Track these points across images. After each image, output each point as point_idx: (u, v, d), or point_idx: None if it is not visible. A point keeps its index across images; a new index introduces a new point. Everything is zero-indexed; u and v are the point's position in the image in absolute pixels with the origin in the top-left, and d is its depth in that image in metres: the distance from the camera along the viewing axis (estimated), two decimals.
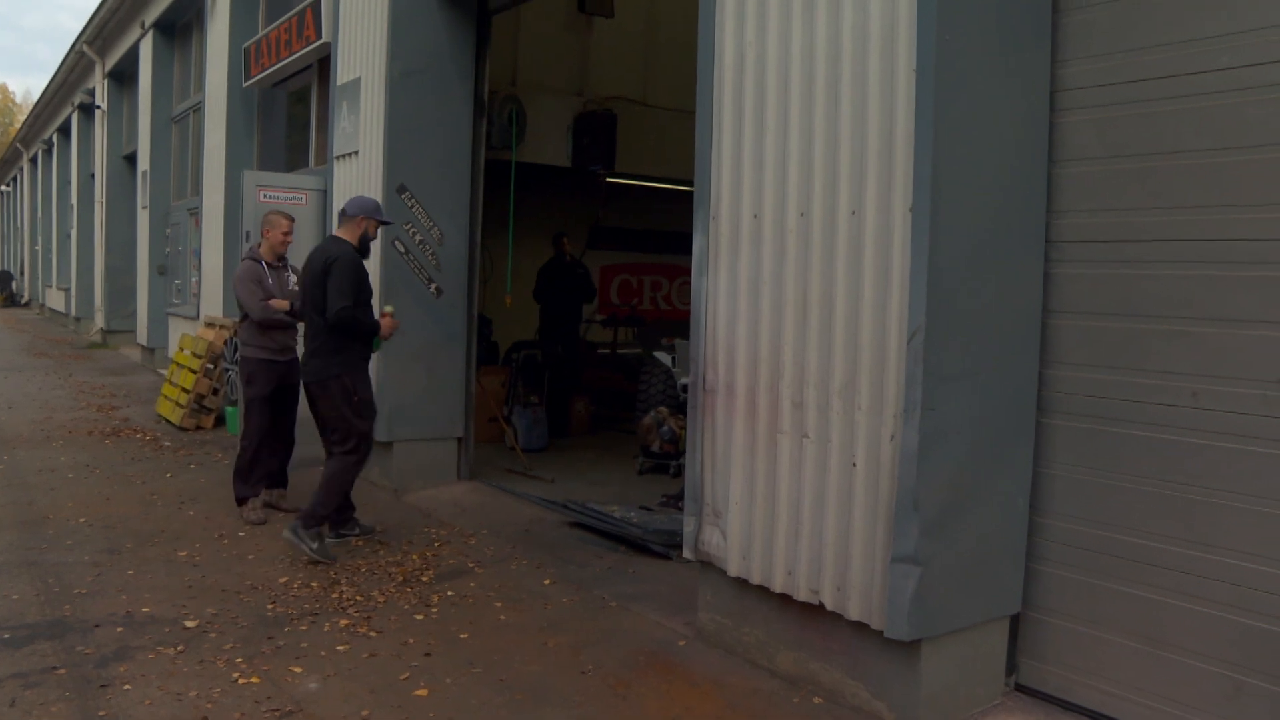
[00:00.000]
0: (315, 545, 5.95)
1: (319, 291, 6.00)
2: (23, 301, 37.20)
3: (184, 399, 10.67)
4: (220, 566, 5.83)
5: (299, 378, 6.56)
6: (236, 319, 8.16)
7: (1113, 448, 3.92)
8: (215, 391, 10.68)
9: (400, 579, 5.68)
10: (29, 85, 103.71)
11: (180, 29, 15.53)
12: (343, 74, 8.39)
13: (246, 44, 11.28)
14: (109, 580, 5.49)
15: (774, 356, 4.29)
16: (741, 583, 4.53)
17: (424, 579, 5.71)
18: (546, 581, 5.72)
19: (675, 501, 7.15)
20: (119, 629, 4.77)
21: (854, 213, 3.96)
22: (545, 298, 10.97)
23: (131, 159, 18.29)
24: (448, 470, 7.98)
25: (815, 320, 4.11)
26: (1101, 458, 3.96)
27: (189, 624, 4.86)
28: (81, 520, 6.71)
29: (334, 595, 5.36)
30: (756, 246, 4.36)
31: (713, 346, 4.59)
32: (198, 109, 13.76)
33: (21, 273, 38.41)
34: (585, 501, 6.82)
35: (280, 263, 7.07)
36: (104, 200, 19.62)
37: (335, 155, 8.49)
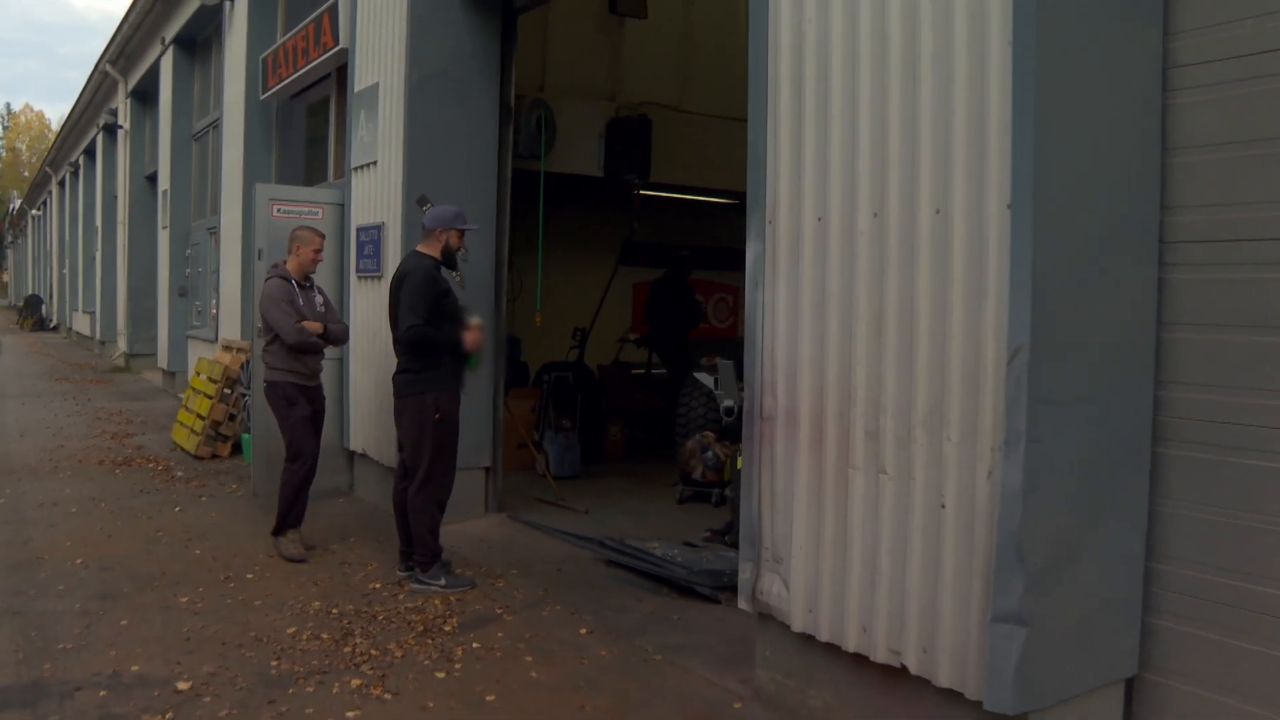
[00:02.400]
0: (444, 581, 5.77)
1: (397, 307, 5.74)
2: (51, 326, 37.12)
3: (199, 426, 10.21)
4: (223, 614, 5.31)
5: (323, 404, 6.67)
6: (258, 341, 7.67)
7: (1242, 481, 3.32)
8: (232, 418, 10.22)
9: (420, 628, 5.14)
10: (63, 111, 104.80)
11: (200, 44, 15.19)
12: (360, 80, 7.92)
13: (263, 54, 10.85)
14: (98, 633, 4.97)
15: (844, 380, 3.72)
16: (807, 639, 3.94)
17: (446, 628, 5.16)
18: (583, 630, 5.16)
19: (721, 536, 6.58)
20: (102, 693, 4.24)
21: (938, 212, 3.39)
22: (656, 316, 10.97)
23: (154, 179, 17.98)
24: (474, 503, 7.45)
25: (893, 338, 3.53)
26: (1230, 493, 3.35)
27: (181, 686, 4.32)
28: (78, 561, 6.21)
29: (346, 649, 4.82)
30: (822, 253, 3.80)
31: (771, 368, 4.02)
32: (217, 125, 13.37)
33: (51, 296, 38.38)
34: (623, 538, 6.25)
35: (308, 282, 6.64)
36: (126, 221, 19.34)
37: (353, 167, 8.01)
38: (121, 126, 19.61)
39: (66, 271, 32.35)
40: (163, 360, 16.38)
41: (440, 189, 7.00)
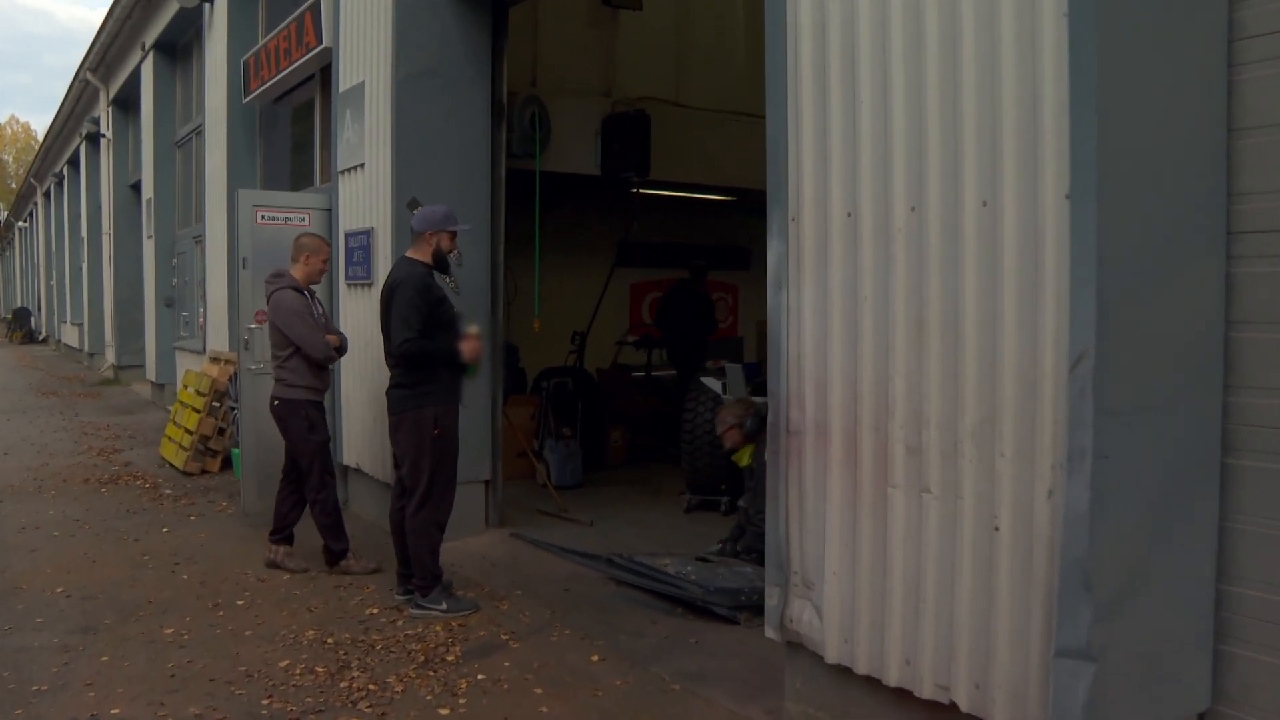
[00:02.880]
0: (445, 605, 5.47)
1: (388, 319, 5.45)
2: (40, 338, 36.73)
3: (187, 440, 9.89)
4: (212, 647, 4.99)
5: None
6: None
7: None
8: (221, 432, 9.88)
9: (421, 658, 4.82)
10: (49, 122, 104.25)
11: (181, 49, 14.82)
12: (345, 79, 7.58)
13: (245, 57, 10.51)
14: (77, 671, 4.64)
15: (880, 389, 3.40)
16: (843, 671, 3.63)
17: (449, 658, 4.84)
18: (594, 658, 4.84)
19: (731, 546, 6.25)
20: None
21: (985, 204, 3.07)
22: (670, 321, 10.94)
23: (138, 188, 17.61)
24: (474, 519, 7.13)
25: (935, 343, 3.22)
26: None
27: None
28: (59, 590, 5.88)
29: (343, 684, 4.50)
30: (853, 252, 3.48)
31: (798, 377, 3.70)
32: (200, 131, 13.01)
33: (39, 309, 37.98)
34: (632, 555, 5.93)
35: (308, 292, 6.33)
36: (111, 231, 18.96)
37: (340, 170, 7.68)
38: (104, 135, 19.25)
39: (54, 283, 31.98)
40: (151, 372, 16.04)
41: (431, 191, 6.69)
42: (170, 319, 15.25)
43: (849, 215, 3.48)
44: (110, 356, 19.75)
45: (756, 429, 6.25)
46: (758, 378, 8.21)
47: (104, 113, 19.35)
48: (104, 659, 4.82)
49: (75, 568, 6.39)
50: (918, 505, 3.29)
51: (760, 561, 4.69)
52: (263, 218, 7.53)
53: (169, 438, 10.55)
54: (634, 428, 10.48)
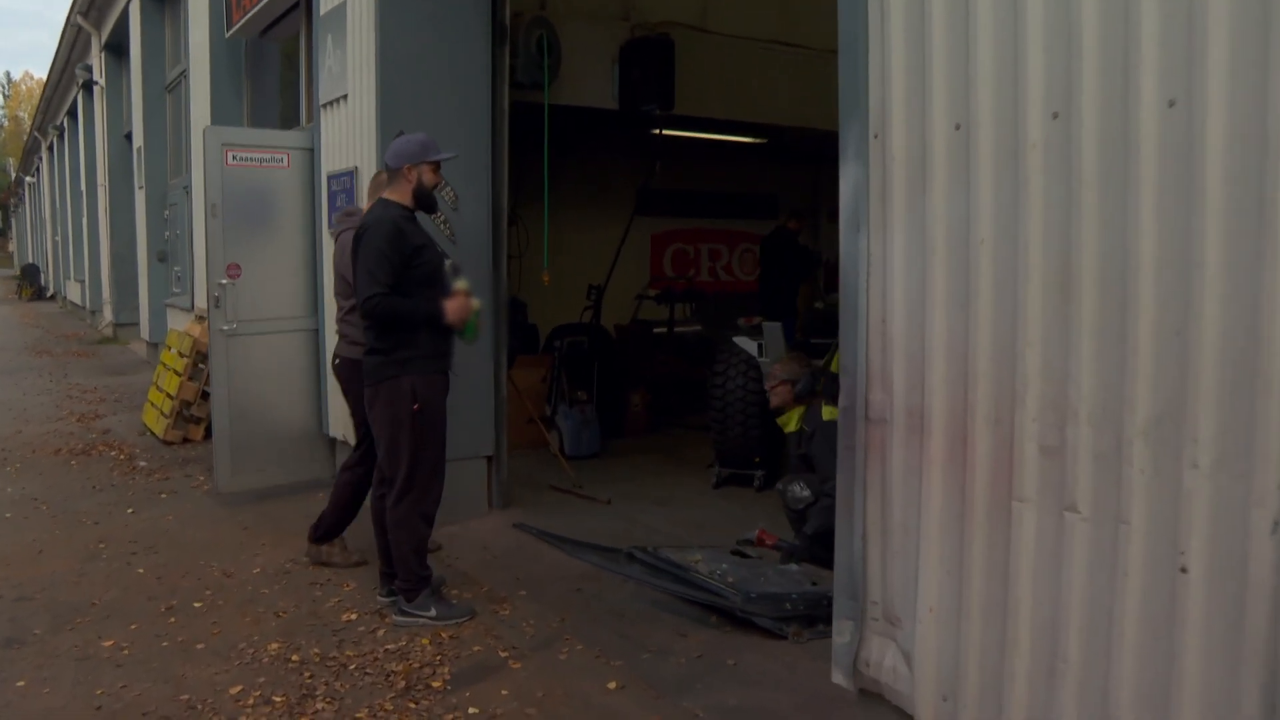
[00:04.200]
0: (434, 611, 4.64)
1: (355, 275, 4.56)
2: (48, 295, 36.06)
3: (168, 406, 9.04)
4: (153, 665, 4.16)
5: None
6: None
7: None
8: (205, 396, 9.00)
9: (401, 684, 3.97)
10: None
11: None
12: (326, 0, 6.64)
13: None
14: None
15: (1004, 367, 2.48)
16: None
17: (435, 683, 3.99)
18: (612, 685, 3.97)
19: (794, 549, 5.34)
20: None
21: (1172, 104, 2.13)
22: (771, 276, 10.40)
23: (132, 137, 16.72)
24: (475, 499, 6.26)
25: (1089, 303, 2.29)
26: None
27: None
28: None
29: (303, 719, 3.66)
30: (963, 178, 2.54)
31: (882, 349, 2.79)
32: (188, 74, 12.07)
33: (47, 265, 37.30)
34: (657, 549, 5.04)
35: None
36: (106, 184, 18.06)
37: (321, 103, 6.75)
38: (97, 83, 18.30)
39: (59, 239, 31.18)
40: (144, 331, 15.22)
41: (422, 125, 5.68)
42: (163, 274, 14.39)
43: (957, 128, 2.55)
44: (108, 314, 18.95)
45: (810, 390, 5.36)
46: (793, 339, 7.31)
47: (96, 59, 18.40)
48: (20, 684, 3.99)
49: (18, 559, 5.56)
50: (1057, 528, 2.38)
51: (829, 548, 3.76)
52: (234, 158, 6.60)
53: (151, 403, 9.74)
54: (656, 390, 9.64)
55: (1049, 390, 2.38)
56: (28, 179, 43.06)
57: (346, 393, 5.40)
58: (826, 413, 5.24)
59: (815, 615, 4.40)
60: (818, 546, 5.09)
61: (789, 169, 13.18)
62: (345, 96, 6.37)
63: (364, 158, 6.17)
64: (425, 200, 4.67)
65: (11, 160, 59.40)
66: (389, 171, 4.68)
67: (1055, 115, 2.33)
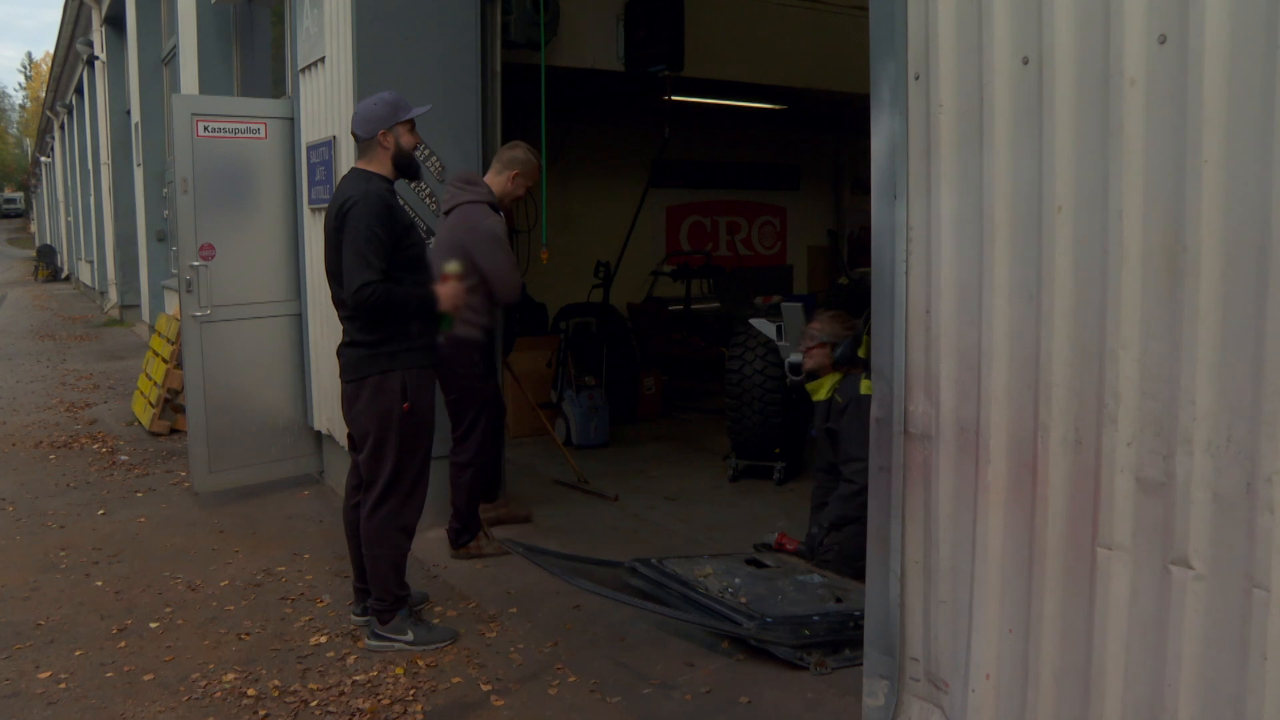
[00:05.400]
0: (411, 635, 4.13)
1: (336, 257, 4.02)
2: (63, 276, 35.81)
3: (155, 395, 8.58)
4: (90, 702, 3.67)
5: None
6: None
7: None
8: None
9: None
10: None
11: None
12: None
13: None
14: None
15: (1086, 374, 1.92)
16: None
17: None
18: None
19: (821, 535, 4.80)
20: None
21: None
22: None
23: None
24: None
25: (1208, 289, 1.73)
26: None
27: None
28: None
29: None
30: (1034, 126, 1.97)
31: (925, 346, 2.23)
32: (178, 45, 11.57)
33: (62, 245, 37.06)
34: (663, 560, 4.50)
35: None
36: (110, 161, 17.62)
37: (299, 67, 6.20)
38: (98, 58, 17.86)
39: (71, 219, 30.85)
40: (146, 313, 14.81)
41: (405, 88, 5.12)
42: (163, 254, 13.94)
43: (1025, 62, 1.97)
44: (114, 296, 18.56)
45: (850, 357, 4.81)
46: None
47: (98, 33, 17.94)
48: None
49: None
50: (1161, 586, 1.82)
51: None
52: (205, 129, 6.06)
53: (140, 391, 9.30)
54: (671, 371, 9.12)
55: (1151, 407, 1.81)
56: (43, 159, 42.79)
57: (486, 378, 5.17)
58: (864, 386, 4.69)
59: (840, 640, 3.86)
60: (848, 546, 4.56)
61: (811, 137, 12.61)
62: (323, 59, 5.82)
63: (343, 125, 5.61)
64: (407, 166, 4.13)
65: (29, 141, 59.25)
66: (359, 141, 4.13)
67: (1163, 39, 1.75)
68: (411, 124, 4.09)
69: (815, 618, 3.91)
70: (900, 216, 2.24)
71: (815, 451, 5.09)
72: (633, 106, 9.71)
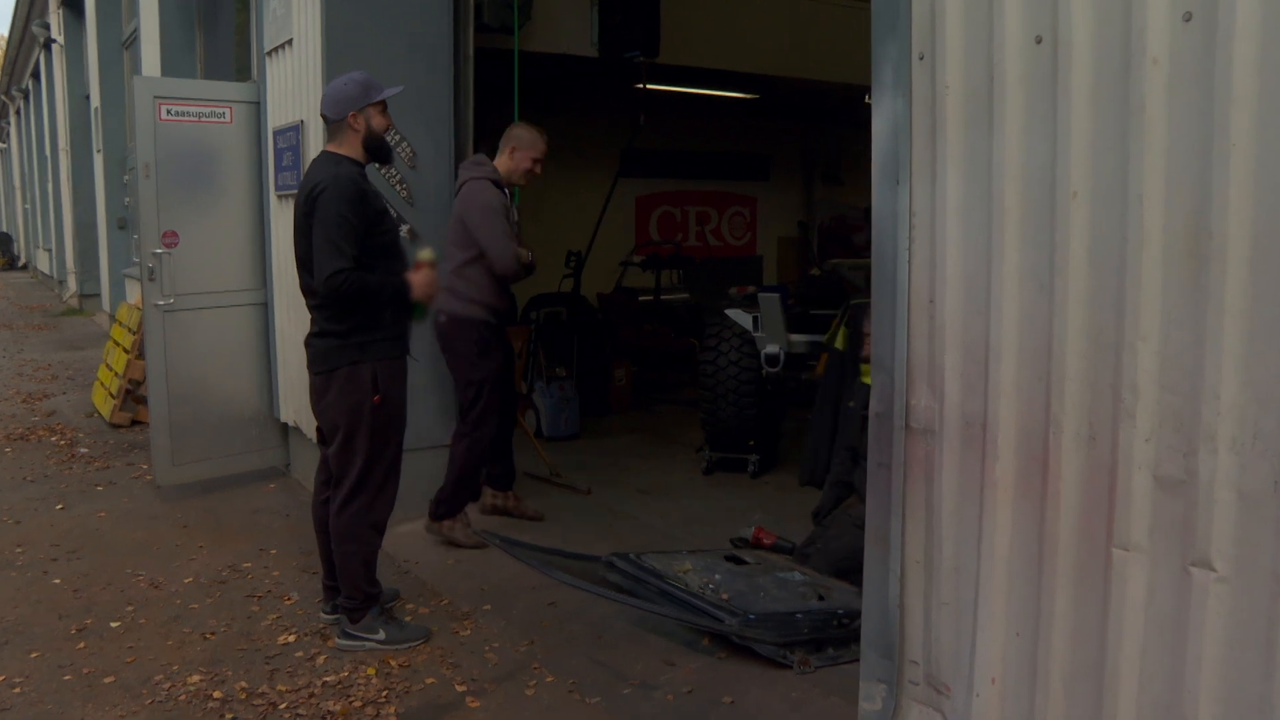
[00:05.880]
0: (383, 634, 4.01)
1: (306, 244, 3.87)
2: (20, 265, 35.16)
3: (116, 386, 8.37)
4: (47, 707, 3.54)
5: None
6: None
7: None
8: None
9: None
10: None
11: None
12: None
13: None
14: None
15: (1102, 366, 1.84)
16: None
17: None
18: None
19: (802, 550, 4.76)
20: None
21: None
22: None
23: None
24: (432, 493, 5.60)
25: (1235, 276, 1.67)
26: None
27: None
28: None
29: None
30: (1048, 108, 1.90)
31: (928, 337, 2.14)
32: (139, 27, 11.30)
33: (19, 233, 36.37)
34: (641, 556, 4.40)
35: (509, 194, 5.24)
36: (69, 148, 17.26)
37: (266, 50, 6.03)
38: (55, 41, 17.47)
39: (29, 206, 30.28)
40: (106, 302, 14.53)
41: (377, 73, 4.96)
42: (124, 242, 13.66)
43: (1039, 41, 1.89)
44: (73, 284, 18.20)
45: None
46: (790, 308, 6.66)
47: (54, 15, 17.55)
48: None
49: None
50: (1180, 588, 1.75)
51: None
52: (169, 113, 5.89)
53: (100, 382, 9.08)
54: (641, 362, 9.02)
55: (1171, 401, 1.74)
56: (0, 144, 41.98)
57: (447, 352, 5.14)
58: (866, 376, 4.72)
59: (823, 639, 3.79)
60: (830, 544, 4.51)
61: (782, 127, 12.55)
62: (290, 42, 5.66)
63: (311, 109, 5.46)
64: (379, 150, 4.00)
65: None
66: (328, 123, 3.99)
67: (1188, 17, 1.67)
68: (383, 106, 3.97)
69: (798, 615, 3.83)
70: (903, 202, 2.15)
71: (842, 430, 5.03)
72: (603, 94, 9.59)
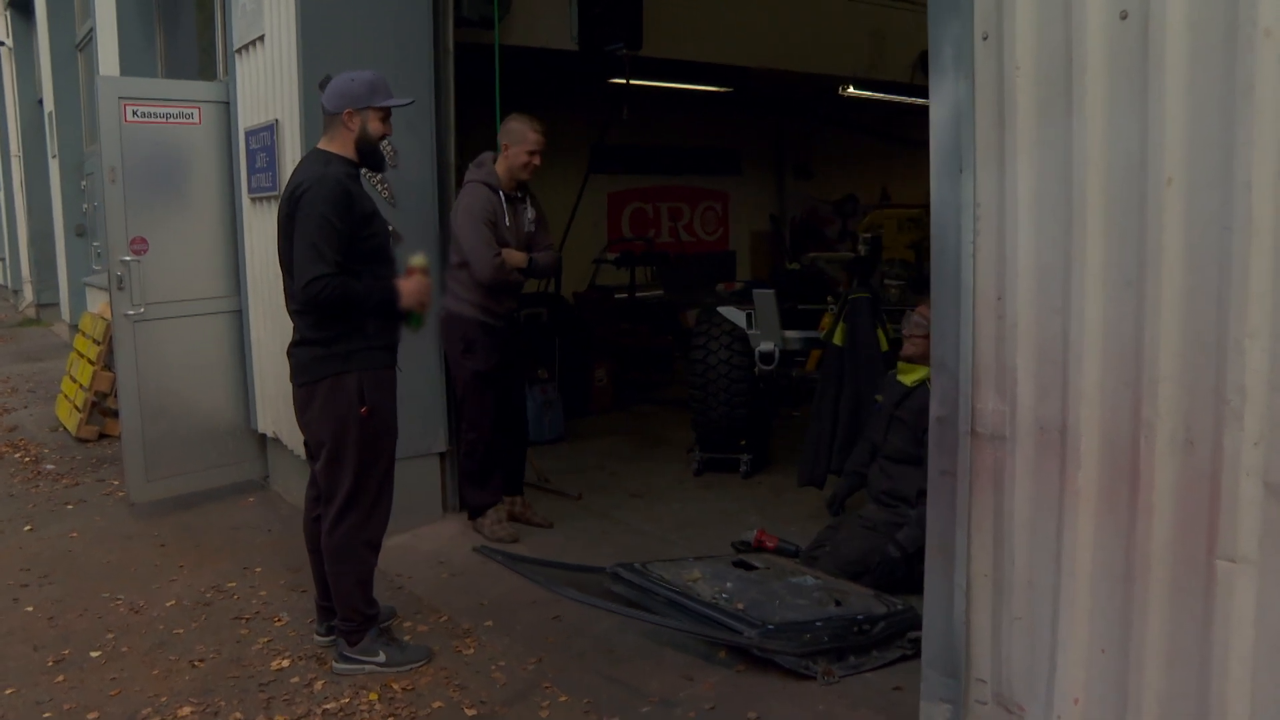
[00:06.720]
0: (383, 656, 3.82)
1: (288, 246, 3.66)
2: None
3: (82, 399, 8.10)
4: None
5: (520, 345, 5.54)
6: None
7: None
8: None
9: None
10: None
11: None
12: None
13: None
14: None
15: (1202, 367, 1.72)
16: None
17: None
18: None
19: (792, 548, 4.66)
20: None
21: None
22: None
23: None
24: (427, 503, 5.43)
25: None
26: None
27: None
28: None
29: None
30: (1137, 89, 1.76)
31: (996, 337, 2.01)
32: (95, 28, 10.98)
33: None
34: (646, 565, 4.25)
35: (519, 193, 5.22)
36: (21, 154, 16.82)
37: (236, 48, 5.81)
38: (4, 44, 17.00)
39: None
40: (65, 312, 14.15)
41: (353, 69, 4.84)
42: (83, 250, 13.31)
43: (1124, 17, 1.75)
44: (29, 294, 17.75)
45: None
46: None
47: (2, 18, 17.09)
48: None
49: None
50: None
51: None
52: (134, 114, 5.65)
53: (64, 395, 8.78)
54: (619, 361, 8.87)
55: (1277, 401, 1.61)
56: None
57: (465, 351, 5.14)
58: (903, 374, 4.66)
59: (844, 647, 3.66)
60: (841, 546, 4.42)
61: (752, 121, 12.45)
62: (262, 38, 5.45)
63: (285, 108, 5.28)
64: (370, 155, 3.80)
65: None
66: (325, 115, 3.79)
67: None
68: (386, 114, 3.77)
69: (818, 623, 3.70)
70: (967, 193, 2.01)
71: (867, 427, 4.94)
72: (577, 90, 9.41)
